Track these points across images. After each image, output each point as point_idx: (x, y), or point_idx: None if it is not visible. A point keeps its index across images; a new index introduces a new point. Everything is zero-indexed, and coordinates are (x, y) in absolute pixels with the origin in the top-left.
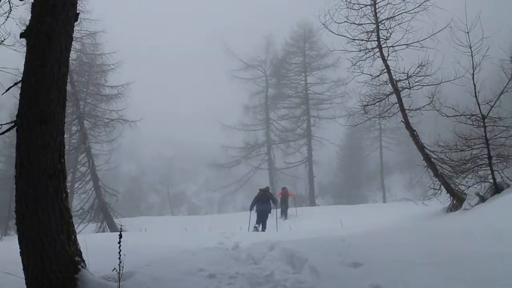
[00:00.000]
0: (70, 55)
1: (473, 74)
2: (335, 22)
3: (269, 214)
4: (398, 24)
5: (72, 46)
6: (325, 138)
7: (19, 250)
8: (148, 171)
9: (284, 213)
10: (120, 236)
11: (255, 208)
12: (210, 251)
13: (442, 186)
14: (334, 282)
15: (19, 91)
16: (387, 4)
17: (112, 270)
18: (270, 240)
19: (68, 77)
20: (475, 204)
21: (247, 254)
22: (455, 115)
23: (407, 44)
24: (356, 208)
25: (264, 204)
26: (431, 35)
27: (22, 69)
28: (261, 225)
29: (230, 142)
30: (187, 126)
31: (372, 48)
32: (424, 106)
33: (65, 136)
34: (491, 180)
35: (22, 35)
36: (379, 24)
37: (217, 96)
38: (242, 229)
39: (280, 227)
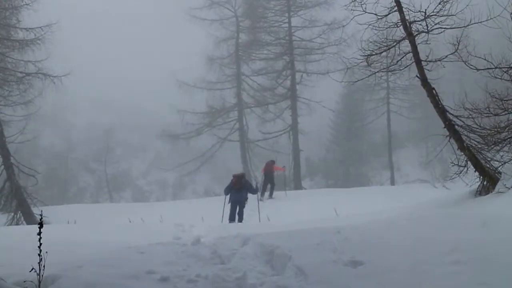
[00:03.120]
0: None
1: None
2: None
3: (246, 204)
4: None
5: None
6: (315, 100)
7: None
8: (78, 145)
9: (270, 192)
10: (41, 226)
11: (228, 197)
12: (163, 247)
13: (468, 162)
14: (327, 287)
15: None
16: None
17: (30, 271)
18: (242, 233)
19: None
20: None
21: (212, 251)
22: (488, 68)
23: None
24: (355, 193)
25: (237, 193)
26: None
27: None
28: (236, 217)
29: (189, 105)
30: (130, 85)
31: None
32: (446, 56)
33: None
34: None
35: None
36: None
37: (171, 43)
38: (205, 220)
39: (257, 215)
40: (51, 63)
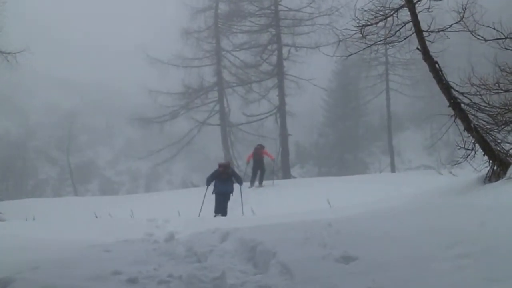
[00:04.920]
0: None
1: None
2: None
3: (231, 196)
4: None
5: None
6: (305, 77)
7: None
8: (37, 132)
9: (259, 180)
10: None
11: (213, 187)
12: (132, 245)
13: (476, 145)
14: (316, 286)
15: None
16: None
17: None
18: (221, 227)
19: None
20: None
21: (187, 248)
22: (497, 39)
23: None
24: (351, 181)
25: (224, 183)
26: None
27: None
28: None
29: (162, 85)
30: (95, 62)
31: None
32: (451, 26)
33: None
34: None
35: None
36: None
37: (140, 15)
38: (182, 214)
39: (240, 207)
40: (3, 38)
